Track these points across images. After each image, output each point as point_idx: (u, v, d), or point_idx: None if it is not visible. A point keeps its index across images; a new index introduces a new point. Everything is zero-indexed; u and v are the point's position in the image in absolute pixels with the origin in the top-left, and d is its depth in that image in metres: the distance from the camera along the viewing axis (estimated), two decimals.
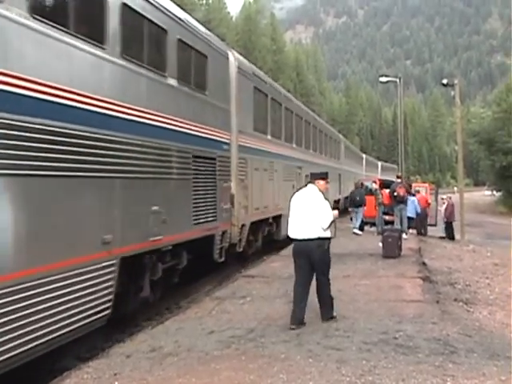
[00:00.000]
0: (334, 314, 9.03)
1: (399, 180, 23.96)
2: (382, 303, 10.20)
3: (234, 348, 7.51)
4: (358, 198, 23.41)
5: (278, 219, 19.39)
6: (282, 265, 15.28)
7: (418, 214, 23.91)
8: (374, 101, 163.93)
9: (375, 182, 24.87)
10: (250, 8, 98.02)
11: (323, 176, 9.37)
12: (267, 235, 18.72)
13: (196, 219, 11.44)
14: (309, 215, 8.81)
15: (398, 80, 48.05)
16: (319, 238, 8.81)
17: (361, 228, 23.84)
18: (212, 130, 12.68)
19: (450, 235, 27.03)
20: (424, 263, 15.68)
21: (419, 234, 24.44)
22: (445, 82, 24.63)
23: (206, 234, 12.24)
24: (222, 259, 13.51)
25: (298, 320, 8.63)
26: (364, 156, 63.27)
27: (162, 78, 10.10)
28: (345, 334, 8.05)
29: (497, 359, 7.04)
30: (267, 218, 18.22)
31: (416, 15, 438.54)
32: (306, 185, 9.34)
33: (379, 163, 78.32)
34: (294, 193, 9.41)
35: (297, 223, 8.94)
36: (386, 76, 52.00)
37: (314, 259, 8.85)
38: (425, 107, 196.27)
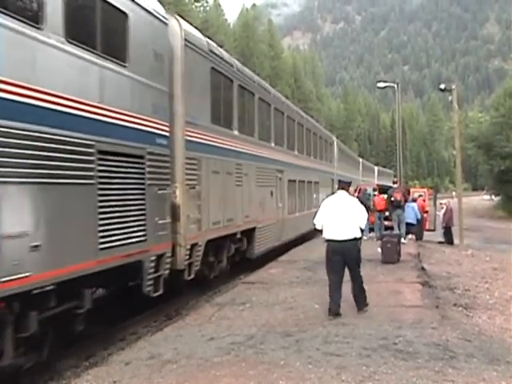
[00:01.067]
0: (367, 302, 10.29)
1: (395, 185, 23.85)
2: (382, 308, 10.19)
3: (234, 354, 7.50)
4: None
5: (250, 233, 16.07)
6: (281, 271, 15.30)
7: (418, 221, 23.90)
8: (372, 106, 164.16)
9: (375, 189, 24.96)
10: (247, 15, 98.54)
11: (349, 183, 10.96)
12: (236, 254, 15.06)
13: (106, 242, 8.02)
14: (345, 218, 9.86)
15: (395, 85, 48.11)
16: (355, 239, 9.87)
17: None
18: (136, 117, 9.24)
19: (448, 240, 26.99)
20: (423, 268, 15.67)
21: (417, 239, 24.42)
22: (442, 87, 24.68)
23: (127, 261, 8.73)
24: (160, 292, 9.94)
25: (334, 312, 9.66)
26: (361, 160, 59.93)
27: (32, 30, 6.72)
28: (344, 339, 8.05)
29: (497, 364, 7.03)
30: (234, 234, 14.57)
31: (413, 21, 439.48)
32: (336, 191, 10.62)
33: (375, 168, 75.23)
34: (324, 199, 10.72)
35: (334, 226, 9.86)
36: (384, 81, 52.08)
37: (349, 257, 9.89)
38: (423, 112, 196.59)
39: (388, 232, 16.79)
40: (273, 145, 19.38)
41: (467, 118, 76.64)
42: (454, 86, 24.51)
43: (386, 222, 23.01)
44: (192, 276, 11.65)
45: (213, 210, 12.86)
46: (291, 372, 6.66)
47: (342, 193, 10.36)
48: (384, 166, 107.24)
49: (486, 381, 6.36)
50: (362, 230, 10.25)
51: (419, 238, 24.84)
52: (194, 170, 11.84)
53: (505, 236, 37.05)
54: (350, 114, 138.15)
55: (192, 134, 11.69)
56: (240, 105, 15.42)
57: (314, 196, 27.44)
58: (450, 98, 24.23)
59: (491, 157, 57.21)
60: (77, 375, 7.06)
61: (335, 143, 39.02)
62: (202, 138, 12.27)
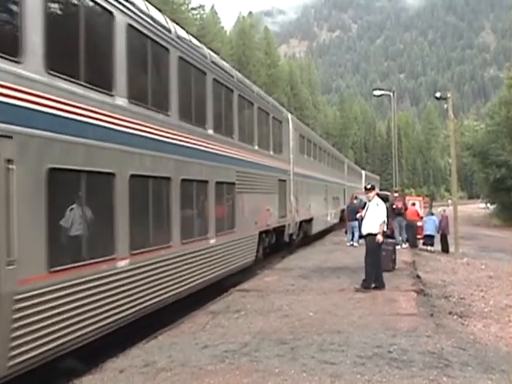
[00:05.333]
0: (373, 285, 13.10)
1: (396, 194, 24.38)
2: (377, 317, 10.17)
3: (228, 362, 7.48)
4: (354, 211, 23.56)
5: None
6: (276, 279, 15.28)
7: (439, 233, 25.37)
8: (368, 114, 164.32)
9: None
10: (243, 22, 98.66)
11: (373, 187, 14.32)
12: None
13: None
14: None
15: (391, 93, 48.20)
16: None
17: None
18: None
19: (444, 248, 27.05)
20: (418, 276, 15.68)
21: (412, 246, 24.51)
22: (438, 95, 24.74)
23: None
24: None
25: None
26: (346, 161, 52.54)
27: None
28: (339, 348, 8.03)
29: (491, 372, 7.03)
30: None
31: (409, 29, 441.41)
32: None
33: (363, 172, 69.76)
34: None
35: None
36: (380, 89, 52.13)
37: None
38: (419, 120, 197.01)
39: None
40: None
41: (463, 127, 76.74)
42: (449, 95, 24.55)
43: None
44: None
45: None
46: (286, 380, 6.65)
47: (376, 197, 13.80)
48: (380, 175, 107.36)
49: None
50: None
51: (414, 245, 24.90)
52: None
53: (500, 244, 37.20)
54: (346, 121, 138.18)
55: None
56: None
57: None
58: (445, 106, 24.28)
59: (486, 165, 57.28)
60: (70, 383, 7.00)
61: (291, 123, 23.68)
62: None
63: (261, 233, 17.80)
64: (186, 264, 11.68)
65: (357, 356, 7.56)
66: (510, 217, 59.62)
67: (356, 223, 22.95)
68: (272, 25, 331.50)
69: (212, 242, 13.17)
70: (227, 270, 14.44)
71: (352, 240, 24.38)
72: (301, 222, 24.67)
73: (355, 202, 25.20)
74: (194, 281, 12.14)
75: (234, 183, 14.96)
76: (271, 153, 19.73)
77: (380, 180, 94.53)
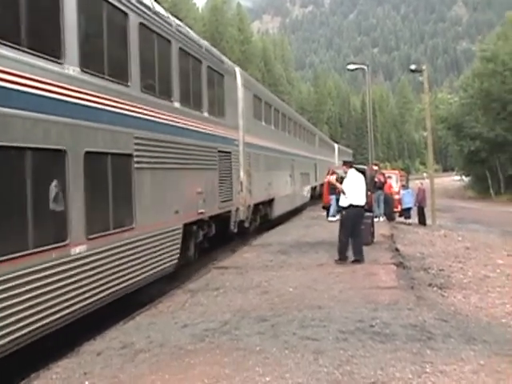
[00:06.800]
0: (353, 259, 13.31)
1: (376, 168, 24.50)
2: (357, 291, 10.10)
3: (208, 341, 7.33)
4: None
5: None
6: (254, 255, 15.17)
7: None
8: (343, 89, 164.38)
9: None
10: None
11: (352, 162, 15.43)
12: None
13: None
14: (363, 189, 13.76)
15: (365, 67, 48.03)
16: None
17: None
18: None
19: (421, 220, 27.23)
20: (397, 249, 15.68)
21: (389, 219, 24.63)
22: (413, 67, 24.62)
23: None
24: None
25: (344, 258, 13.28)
26: (318, 133, 48.40)
27: None
28: (321, 323, 7.92)
29: (474, 343, 6.98)
30: None
31: (382, 3, 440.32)
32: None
33: (336, 145, 65.47)
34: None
35: (357, 195, 13.53)
36: (354, 63, 51.95)
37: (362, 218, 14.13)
38: (392, 94, 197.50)
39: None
40: None
41: (437, 100, 76.97)
42: (424, 67, 24.47)
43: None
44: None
45: None
46: (267, 358, 6.52)
47: (353, 170, 13.92)
48: (355, 149, 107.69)
49: (464, 361, 6.29)
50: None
51: (391, 219, 25.01)
52: None
53: (475, 216, 37.65)
54: (320, 97, 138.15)
55: None
56: None
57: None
58: (420, 78, 24.19)
59: (461, 138, 57.71)
60: (46, 367, 6.81)
61: (239, 79, 18.68)
62: None
63: (188, 225, 12.76)
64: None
65: (339, 331, 7.45)
66: (484, 189, 60.30)
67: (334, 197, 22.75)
68: (244, 1, 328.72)
69: (76, 251, 7.93)
70: (111, 295, 9.00)
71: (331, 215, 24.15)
72: (256, 205, 20.23)
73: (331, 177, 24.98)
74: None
75: (129, 155, 9.77)
76: (205, 114, 14.42)
77: (355, 154, 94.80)
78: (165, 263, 11.28)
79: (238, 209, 17.39)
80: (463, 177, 73.42)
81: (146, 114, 10.53)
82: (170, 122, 11.79)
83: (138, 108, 10.18)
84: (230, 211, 16.54)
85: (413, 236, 20.10)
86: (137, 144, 10.02)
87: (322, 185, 34.12)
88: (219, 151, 15.43)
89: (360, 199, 13.45)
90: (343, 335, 7.29)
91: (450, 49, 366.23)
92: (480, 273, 12.74)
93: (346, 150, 77.86)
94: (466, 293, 10.61)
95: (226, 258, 15.35)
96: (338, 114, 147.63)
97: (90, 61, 8.61)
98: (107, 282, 8.76)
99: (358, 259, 13.16)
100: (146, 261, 10.32)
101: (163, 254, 11.18)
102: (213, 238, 15.28)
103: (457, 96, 68.05)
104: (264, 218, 22.22)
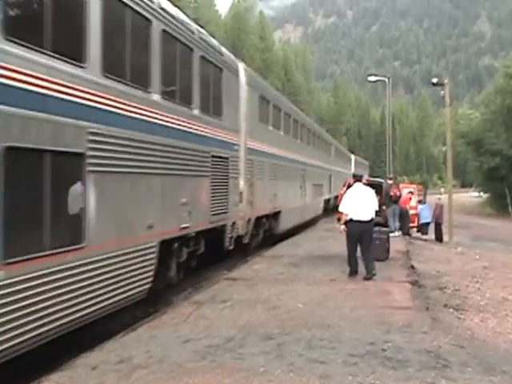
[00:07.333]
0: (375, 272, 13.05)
1: (390, 181, 24.16)
2: (369, 310, 9.67)
3: (210, 359, 6.94)
4: None
5: None
6: (265, 267, 14.77)
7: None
8: (362, 101, 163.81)
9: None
10: (238, 6, 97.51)
11: (361, 176, 15.24)
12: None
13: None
14: (366, 203, 13.36)
15: (386, 79, 47.65)
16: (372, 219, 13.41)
17: None
18: None
19: (438, 237, 26.75)
20: (412, 266, 15.23)
21: (405, 234, 24.15)
22: (435, 81, 24.17)
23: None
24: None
25: (355, 272, 13.15)
26: (334, 142, 45.68)
27: None
28: (329, 344, 7.51)
29: (492, 374, 6.55)
30: None
31: (405, 16, 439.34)
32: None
33: (352, 156, 63.18)
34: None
35: (359, 209, 13.18)
36: (375, 75, 51.55)
37: (368, 233, 13.40)
38: (412, 108, 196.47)
39: (378, 228, 16.24)
40: None
41: (457, 115, 76.40)
42: (446, 80, 24.02)
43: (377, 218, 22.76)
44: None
45: None
46: (271, 381, 6.12)
47: (358, 184, 13.82)
48: (373, 162, 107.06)
49: None
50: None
51: (407, 233, 24.54)
52: None
53: (493, 233, 36.95)
54: (339, 108, 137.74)
55: None
56: None
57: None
58: (442, 92, 23.72)
59: (481, 154, 57.05)
60: (37, 381, 6.44)
61: (243, 76, 16.66)
62: None
63: (166, 242, 10.58)
64: None
65: (348, 354, 7.04)
66: (502, 206, 59.45)
67: None
68: (267, 9, 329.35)
69: None
70: (41, 335, 6.88)
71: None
72: (259, 218, 18.27)
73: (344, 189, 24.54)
74: None
75: (80, 154, 7.71)
76: (195, 112, 12.16)
77: (373, 167, 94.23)
78: (131, 289, 9.07)
79: (234, 223, 15.30)
80: (481, 193, 72.56)
81: (108, 105, 8.32)
82: (145, 118, 9.58)
83: (97, 96, 8.01)
84: (225, 225, 14.49)
85: (429, 253, 19.61)
86: (92, 141, 7.83)
87: (336, 197, 33.50)
88: (213, 156, 13.30)
89: (361, 214, 13.09)
90: (352, 359, 6.87)
91: (471, 64, 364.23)
92: (498, 295, 12.26)
93: (362, 162, 76.97)
94: (484, 316, 10.17)
95: (236, 269, 14.96)
96: (357, 125, 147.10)
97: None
98: (36, 320, 6.67)
99: (368, 277, 12.87)
100: (103, 287, 8.12)
101: (129, 278, 8.97)
102: (206, 255, 13.48)
103: (478, 111, 67.46)
104: (268, 233, 20.14)
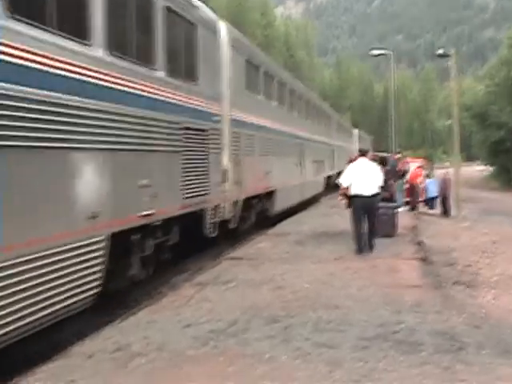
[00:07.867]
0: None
1: (398, 155, 24.22)
2: (378, 289, 9.30)
3: (212, 346, 6.58)
4: None
5: None
6: (269, 246, 14.41)
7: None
8: (365, 76, 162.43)
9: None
10: None
11: (367, 151, 15.68)
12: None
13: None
14: (369, 178, 13.26)
15: (389, 53, 46.94)
16: (377, 194, 13.33)
17: None
18: None
19: (445, 211, 26.39)
20: (420, 242, 14.85)
21: (412, 209, 23.85)
22: (441, 51, 23.65)
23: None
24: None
25: (361, 250, 12.94)
26: (335, 116, 42.40)
27: None
28: (337, 327, 7.15)
29: (510, 357, 6.15)
30: None
31: None
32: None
33: (356, 131, 59.72)
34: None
35: (361, 184, 13.07)
36: (378, 49, 50.82)
37: (372, 208, 13.40)
38: (416, 82, 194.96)
39: (384, 204, 15.76)
40: None
41: (461, 88, 75.46)
42: (452, 51, 23.46)
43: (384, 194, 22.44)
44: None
45: None
46: (276, 369, 5.75)
47: (362, 159, 13.76)
48: (378, 136, 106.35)
49: (502, 379, 5.47)
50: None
51: (413, 208, 24.20)
52: None
53: (500, 207, 36.53)
54: (342, 83, 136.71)
55: None
56: None
57: None
58: (448, 63, 23.22)
59: (485, 127, 56.36)
60: (30, 371, 6.07)
61: (224, 35, 14.20)
62: None
63: (122, 233, 8.36)
64: None
65: (357, 338, 6.67)
66: (508, 179, 58.89)
67: None
68: None
69: None
70: None
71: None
72: (249, 199, 16.14)
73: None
74: None
75: None
76: (159, 74, 9.86)
77: (377, 141, 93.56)
78: (68, 298, 6.89)
79: (217, 206, 13.04)
80: (488, 166, 71.89)
81: (26, 59, 6.04)
82: (85, 78, 7.25)
83: (9, 47, 5.79)
84: (203, 210, 12.22)
85: (436, 227, 19.23)
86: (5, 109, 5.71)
87: (339, 173, 32.84)
88: (186, 128, 10.96)
89: (363, 188, 12.98)
90: (362, 342, 6.50)
91: (474, 37, 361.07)
92: (509, 270, 11.83)
93: (366, 137, 76.20)
94: (496, 293, 9.75)
95: (239, 248, 14.59)
96: (360, 100, 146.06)
97: None
98: None
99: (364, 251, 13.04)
100: (24, 299, 6.02)
101: (65, 284, 6.77)
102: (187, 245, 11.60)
103: (482, 84, 66.62)
104: (261, 215, 18.00)
